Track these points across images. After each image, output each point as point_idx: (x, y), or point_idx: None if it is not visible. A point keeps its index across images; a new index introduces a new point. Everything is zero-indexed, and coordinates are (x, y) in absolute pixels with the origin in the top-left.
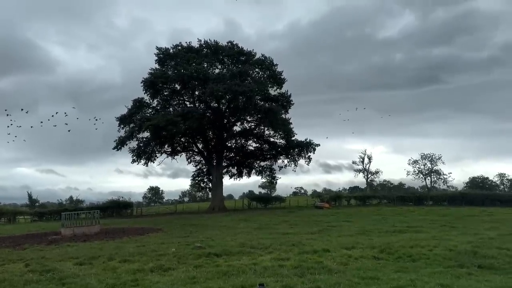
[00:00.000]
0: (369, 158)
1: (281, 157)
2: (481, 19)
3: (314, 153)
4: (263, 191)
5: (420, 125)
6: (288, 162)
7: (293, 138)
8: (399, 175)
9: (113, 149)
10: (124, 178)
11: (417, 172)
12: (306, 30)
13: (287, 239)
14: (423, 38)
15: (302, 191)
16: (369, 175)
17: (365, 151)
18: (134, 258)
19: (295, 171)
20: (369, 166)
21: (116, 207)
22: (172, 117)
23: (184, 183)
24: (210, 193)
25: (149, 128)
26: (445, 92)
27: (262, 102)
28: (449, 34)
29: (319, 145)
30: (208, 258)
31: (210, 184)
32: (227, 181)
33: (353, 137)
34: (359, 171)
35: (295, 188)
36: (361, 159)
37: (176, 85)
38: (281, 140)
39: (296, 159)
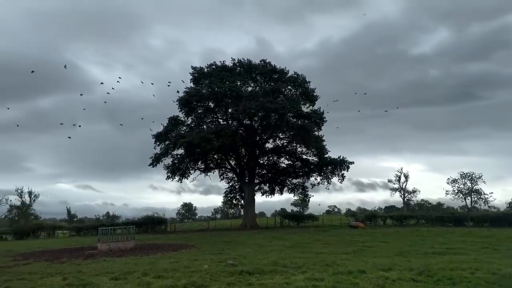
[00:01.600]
0: (406, 177)
1: (313, 174)
2: None
3: (347, 170)
4: (295, 209)
5: (457, 142)
6: (321, 179)
7: (326, 156)
8: (436, 195)
9: (149, 165)
10: (158, 194)
11: (456, 191)
12: (337, 47)
13: (321, 259)
14: (458, 54)
15: (336, 209)
16: (406, 194)
17: (401, 169)
18: (167, 274)
19: (328, 189)
20: (405, 185)
21: (151, 223)
22: (206, 134)
23: (215, 200)
24: (242, 210)
25: (183, 145)
26: (483, 108)
27: (295, 119)
28: (485, 50)
29: (353, 162)
30: (241, 276)
31: (242, 201)
32: (258, 198)
33: (387, 155)
34: (395, 190)
35: (328, 206)
36: (397, 178)
37: (210, 103)
38: (313, 158)
39: (330, 176)
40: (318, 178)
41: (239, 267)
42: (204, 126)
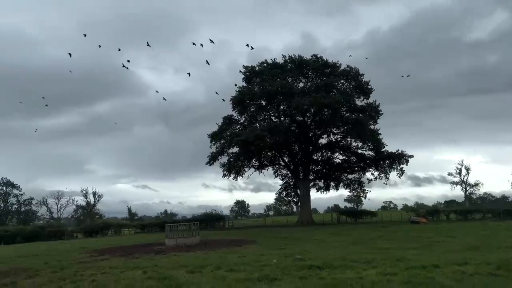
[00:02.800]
0: (467, 169)
1: (370, 169)
2: None
3: (407, 164)
4: (348, 205)
5: None
6: (378, 174)
7: (383, 150)
8: (499, 187)
9: (206, 164)
10: (211, 192)
11: None
12: (387, 38)
13: (389, 254)
14: None
15: (392, 205)
16: (467, 188)
17: (462, 161)
18: (239, 267)
19: (386, 183)
20: (467, 178)
21: (210, 220)
22: (259, 132)
23: (266, 197)
24: (295, 207)
25: (238, 143)
26: None
27: (349, 114)
28: None
29: (412, 156)
30: (311, 270)
31: (295, 198)
32: (312, 194)
33: (445, 147)
34: (456, 183)
35: (383, 202)
36: (458, 170)
37: (262, 101)
38: (369, 152)
39: (388, 171)
40: (375, 173)
41: (308, 261)
42: (257, 124)
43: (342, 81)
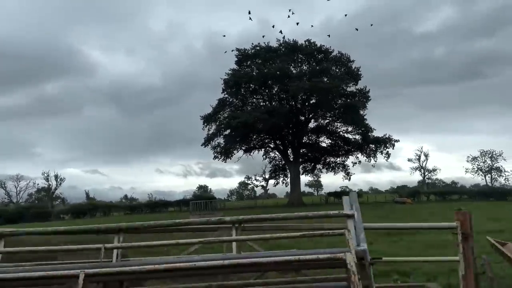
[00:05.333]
0: (426, 155)
1: (355, 153)
2: None
3: (393, 148)
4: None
5: (466, 121)
6: (366, 158)
7: (369, 134)
8: (446, 174)
9: (201, 145)
10: (165, 177)
11: (476, 169)
12: (340, 27)
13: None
14: (465, 31)
15: (347, 189)
16: (426, 173)
17: (421, 148)
18: None
19: (374, 166)
20: (425, 164)
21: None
22: (259, 114)
23: (222, 182)
24: (257, 192)
25: (238, 125)
26: (491, 86)
27: (342, 99)
28: (492, 26)
29: (399, 140)
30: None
31: (285, 181)
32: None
33: (395, 135)
34: (415, 168)
35: (339, 187)
36: (417, 157)
37: (253, 85)
38: (355, 136)
39: (375, 154)
40: (360, 157)
41: None
42: (247, 107)
43: (333, 67)
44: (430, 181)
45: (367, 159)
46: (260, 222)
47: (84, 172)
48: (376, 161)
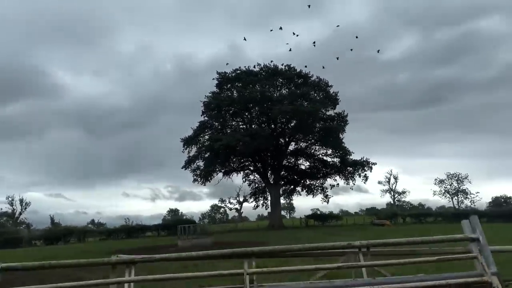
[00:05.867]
0: (395, 178)
1: (333, 175)
2: (483, 39)
3: (371, 171)
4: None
5: (429, 146)
6: (345, 181)
7: (347, 157)
8: (412, 196)
9: (182, 168)
10: (131, 201)
11: (443, 191)
12: (308, 52)
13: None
14: (426, 59)
15: (318, 211)
16: (395, 195)
17: (391, 170)
18: None
19: (352, 189)
20: (395, 186)
21: (181, 225)
22: (241, 137)
23: (191, 206)
24: (229, 215)
25: (220, 147)
26: (452, 112)
27: (321, 123)
28: (452, 55)
29: (376, 163)
30: None
31: (265, 203)
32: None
33: (360, 159)
34: (385, 191)
35: (310, 209)
36: (387, 179)
37: (234, 108)
38: (334, 159)
39: (353, 177)
40: (338, 179)
41: None
42: (227, 130)
43: (312, 91)
44: (398, 203)
45: (346, 182)
46: (387, 247)
47: (47, 196)
48: (354, 184)
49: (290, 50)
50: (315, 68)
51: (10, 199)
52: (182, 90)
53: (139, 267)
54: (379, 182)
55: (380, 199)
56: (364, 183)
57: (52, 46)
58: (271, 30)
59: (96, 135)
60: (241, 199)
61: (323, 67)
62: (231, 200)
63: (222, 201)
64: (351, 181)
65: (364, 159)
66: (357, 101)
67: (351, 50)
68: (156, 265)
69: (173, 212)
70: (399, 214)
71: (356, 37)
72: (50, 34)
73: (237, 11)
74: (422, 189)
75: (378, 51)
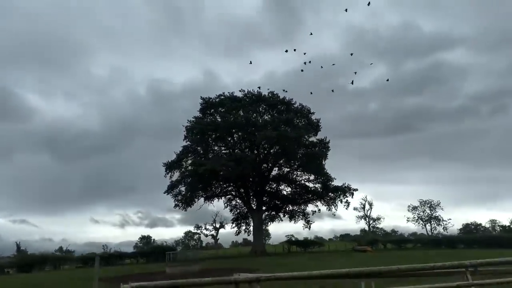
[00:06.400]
0: (370, 205)
1: (314, 201)
2: (450, 70)
3: (352, 197)
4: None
5: (399, 172)
6: (327, 206)
7: (329, 183)
8: (384, 222)
9: (164, 193)
10: (100, 228)
11: (417, 218)
12: (281, 80)
13: None
14: (395, 89)
15: (293, 238)
16: (371, 222)
17: (366, 197)
18: None
19: (334, 215)
20: (370, 212)
21: (160, 252)
22: (226, 161)
23: (163, 233)
24: (203, 242)
25: (205, 172)
26: (420, 140)
27: (303, 149)
28: (420, 85)
29: (357, 189)
30: None
31: (247, 229)
32: (271, 226)
33: (335, 184)
34: (360, 217)
35: (285, 236)
36: (362, 206)
37: (218, 133)
38: (316, 185)
39: (335, 203)
40: (320, 205)
41: None
42: (210, 155)
43: (294, 118)
44: (373, 229)
45: (328, 208)
46: (494, 266)
47: (11, 222)
48: (336, 210)
49: (303, 68)
50: (290, 95)
51: None
52: (156, 114)
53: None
54: (355, 208)
55: (353, 225)
56: (346, 209)
57: (23, 68)
58: (286, 51)
59: (65, 159)
60: (217, 225)
61: (311, 93)
62: (207, 226)
63: (198, 227)
64: (333, 207)
65: (346, 185)
66: (331, 128)
67: (351, 54)
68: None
69: (145, 239)
70: (380, 240)
71: (333, 64)
72: (21, 56)
73: (212, 38)
74: (393, 215)
75: (352, 82)
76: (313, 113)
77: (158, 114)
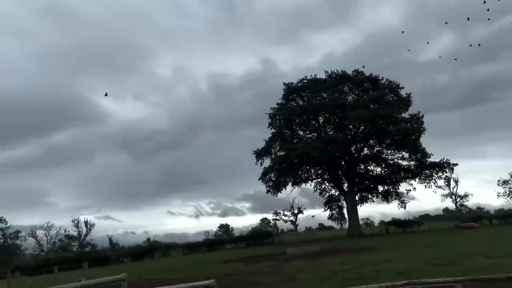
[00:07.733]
0: (456, 181)
1: (409, 180)
2: None
3: (452, 172)
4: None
5: (475, 147)
6: (427, 183)
7: (424, 160)
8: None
9: (259, 179)
10: (176, 219)
11: (508, 192)
12: (341, 61)
13: None
14: (465, 57)
15: (369, 221)
16: (457, 199)
17: (451, 174)
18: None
19: (435, 192)
20: (456, 190)
21: (259, 237)
22: (319, 144)
23: (235, 221)
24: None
25: (297, 156)
26: (497, 110)
27: (395, 126)
28: (492, 51)
29: (457, 164)
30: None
31: (338, 212)
32: (368, 208)
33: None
34: (446, 195)
35: (360, 219)
36: (447, 183)
37: (305, 116)
38: (410, 162)
39: (435, 179)
40: (414, 183)
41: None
42: (295, 140)
43: (384, 94)
44: (460, 207)
45: (427, 185)
46: None
47: (97, 218)
48: (437, 187)
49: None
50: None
51: (75, 221)
52: (218, 107)
53: None
54: (439, 187)
55: (428, 205)
56: (447, 185)
57: (94, 75)
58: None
59: (139, 157)
60: (296, 211)
61: (363, 67)
62: (286, 212)
63: (277, 213)
64: (432, 183)
65: (444, 160)
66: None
67: (402, 32)
68: None
69: (224, 227)
70: (484, 216)
71: (402, 32)
72: (90, 64)
73: (266, 27)
74: (475, 192)
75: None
76: (403, 87)
77: (220, 107)
